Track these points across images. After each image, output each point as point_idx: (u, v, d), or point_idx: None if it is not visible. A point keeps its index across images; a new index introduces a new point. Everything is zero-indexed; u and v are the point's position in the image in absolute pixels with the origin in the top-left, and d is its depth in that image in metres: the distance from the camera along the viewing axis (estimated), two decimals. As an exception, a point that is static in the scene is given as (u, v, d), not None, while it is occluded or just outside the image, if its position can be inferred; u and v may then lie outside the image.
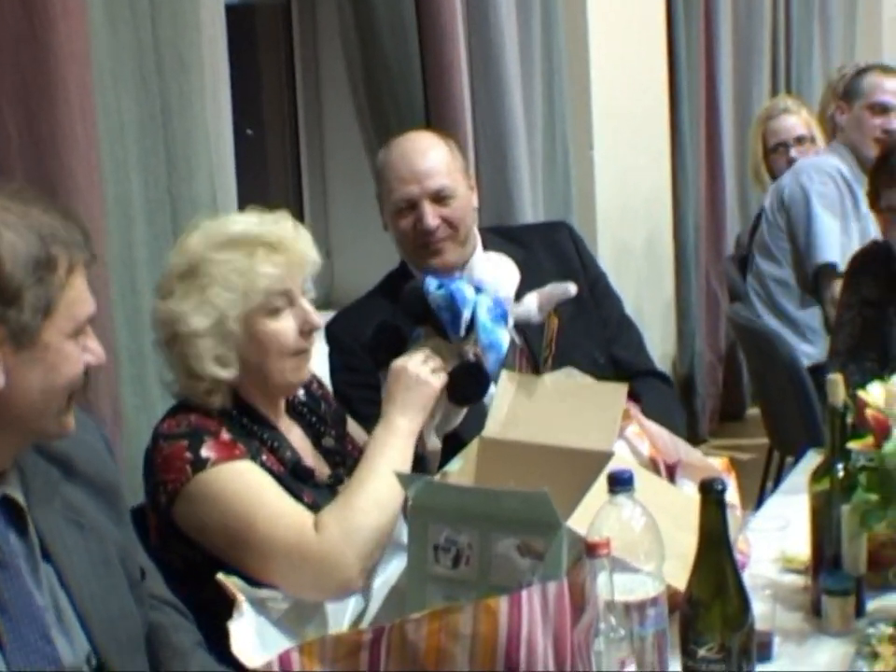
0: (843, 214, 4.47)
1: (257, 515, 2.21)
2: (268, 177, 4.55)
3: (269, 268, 2.30)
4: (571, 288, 2.57)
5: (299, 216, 4.41)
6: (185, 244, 2.36)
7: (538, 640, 1.83)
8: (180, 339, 2.31)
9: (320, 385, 2.70)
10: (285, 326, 2.35)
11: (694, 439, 5.93)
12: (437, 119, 3.82)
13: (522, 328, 2.73)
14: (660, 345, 5.64)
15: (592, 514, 1.95)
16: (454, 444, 2.52)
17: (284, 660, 1.76)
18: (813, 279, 4.48)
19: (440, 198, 2.95)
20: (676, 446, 2.51)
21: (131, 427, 2.76)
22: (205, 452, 2.26)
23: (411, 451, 2.37)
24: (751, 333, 4.27)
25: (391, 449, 2.34)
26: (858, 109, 4.62)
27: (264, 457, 2.33)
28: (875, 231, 3.96)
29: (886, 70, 4.70)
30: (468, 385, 2.49)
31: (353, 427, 2.69)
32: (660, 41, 5.62)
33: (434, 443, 2.53)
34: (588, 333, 2.98)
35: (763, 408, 4.64)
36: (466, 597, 1.97)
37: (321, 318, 2.43)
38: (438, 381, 2.43)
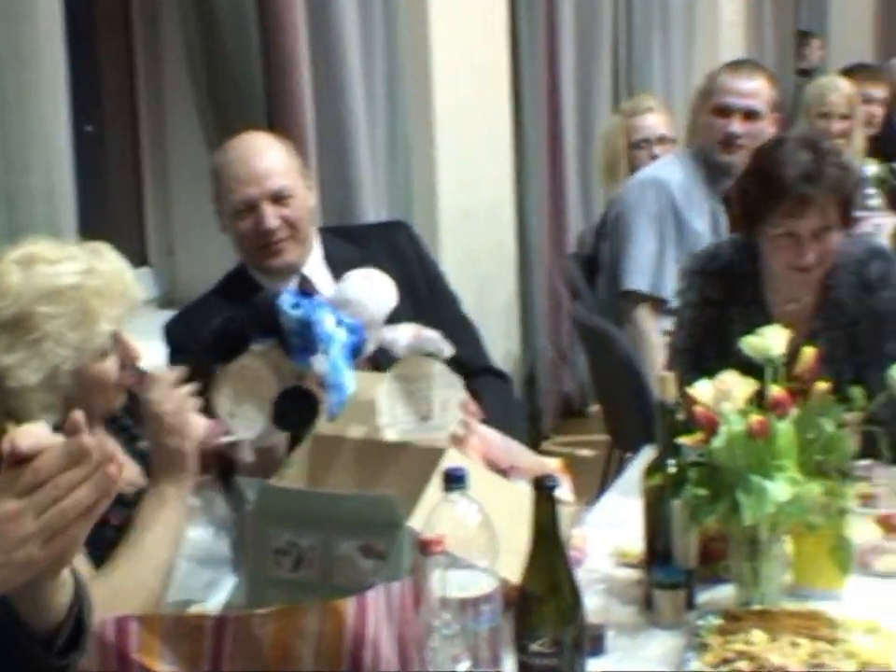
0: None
1: None
2: (108, 174, 4.49)
3: (104, 323, 2.23)
4: (446, 351, 2.56)
5: (139, 213, 4.38)
6: (3, 284, 2.21)
7: (383, 641, 1.85)
8: (5, 390, 2.20)
9: None
10: (109, 364, 2.28)
11: (537, 436, 6.02)
12: (278, 117, 3.81)
13: None
14: (503, 343, 5.68)
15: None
16: None
17: (121, 625, 1.74)
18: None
19: (279, 198, 2.96)
20: (509, 450, 2.54)
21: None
22: None
23: (182, 510, 2.27)
24: (590, 331, 4.32)
25: (160, 524, 2.23)
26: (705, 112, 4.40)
27: None
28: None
29: (733, 68, 4.48)
30: (293, 412, 2.41)
31: None
32: (503, 42, 5.66)
33: (249, 457, 2.49)
34: (427, 332, 3.00)
35: (602, 405, 4.70)
36: (307, 600, 1.98)
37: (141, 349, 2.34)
38: (198, 429, 2.31)
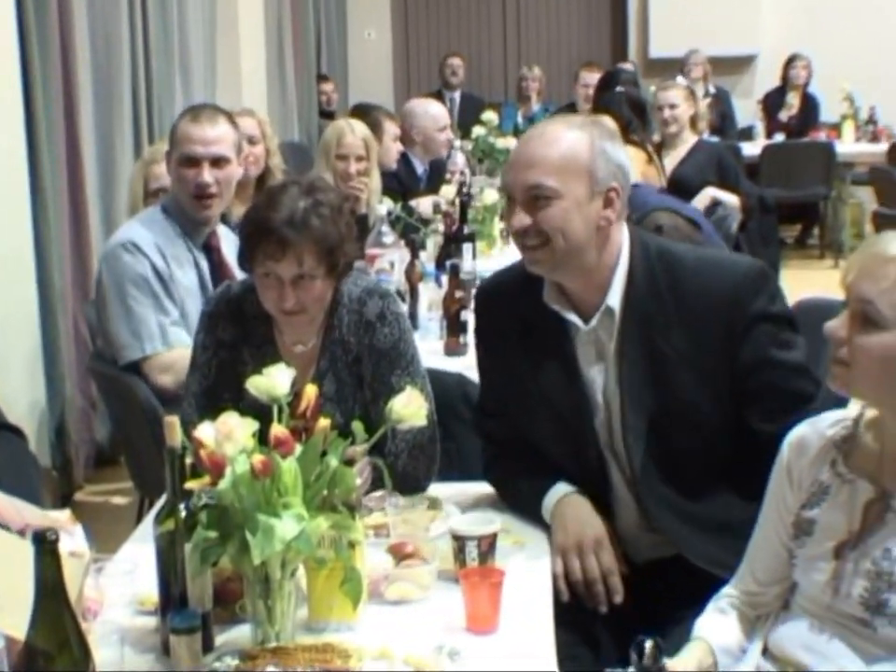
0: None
1: None
2: None
3: None
4: None
5: None
6: None
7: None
8: None
9: None
10: None
11: (69, 486, 5.90)
12: None
13: None
14: (28, 394, 5.53)
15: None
16: None
17: None
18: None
19: None
20: (17, 510, 2.50)
21: None
22: None
23: None
24: (109, 380, 4.26)
25: None
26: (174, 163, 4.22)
27: None
28: None
29: (194, 116, 4.25)
30: None
31: None
32: (15, 88, 5.50)
33: None
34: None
35: (126, 452, 4.66)
36: None
37: None
38: None
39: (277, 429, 2.26)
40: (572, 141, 2.80)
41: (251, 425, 2.24)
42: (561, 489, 2.94)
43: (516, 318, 2.99)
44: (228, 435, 2.20)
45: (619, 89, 7.05)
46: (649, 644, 2.33)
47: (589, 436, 2.92)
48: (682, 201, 6.97)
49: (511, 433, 3.06)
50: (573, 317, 2.90)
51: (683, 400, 2.82)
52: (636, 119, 6.78)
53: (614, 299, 2.86)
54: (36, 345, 5.71)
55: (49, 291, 5.82)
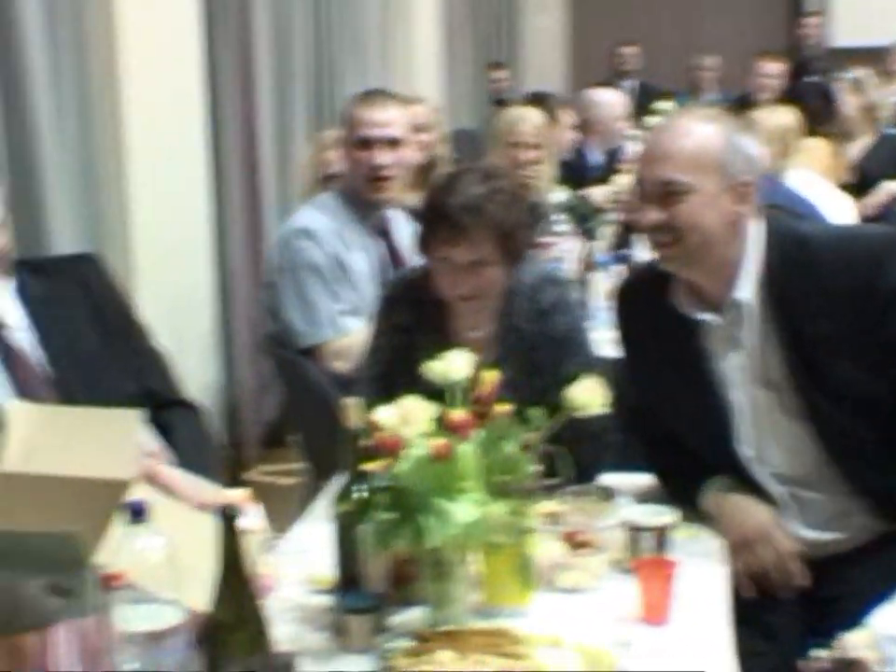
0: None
1: None
2: None
3: None
4: None
5: None
6: None
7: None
8: None
9: None
10: None
11: (240, 466, 6.00)
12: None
13: None
14: (203, 374, 5.65)
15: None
16: None
17: None
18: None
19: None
20: (196, 490, 2.54)
21: None
22: None
23: None
24: (284, 362, 4.32)
25: None
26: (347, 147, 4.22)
27: None
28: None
29: (365, 100, 4.31)
30: None
31: None
32: (197, 72, 5.62)
33: None
34: (118, 364, 2.97)
35: (300, 434, 4.71)
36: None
37: None
38: None
39: (456, 413, 2.26)
40: (705, 134, 2.76)
41: (431, 408, 2.25)
42: (714, 484, 2.90)
43: (650, 318, 2.96)
44: (406, 418, 2.21)
45: (811, 79, 6.92)
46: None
47: (730, 433, 2.88)
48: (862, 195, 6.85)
49: (659, 430, 3.04)
50: (704, 315, 2.85)
51: (842, 385, 2.75)
52: (825, 110, 6.65)
53: (744, 291, 2.80)
54: (212, 326, 5.82)
55: (225, 273, 5.94)
